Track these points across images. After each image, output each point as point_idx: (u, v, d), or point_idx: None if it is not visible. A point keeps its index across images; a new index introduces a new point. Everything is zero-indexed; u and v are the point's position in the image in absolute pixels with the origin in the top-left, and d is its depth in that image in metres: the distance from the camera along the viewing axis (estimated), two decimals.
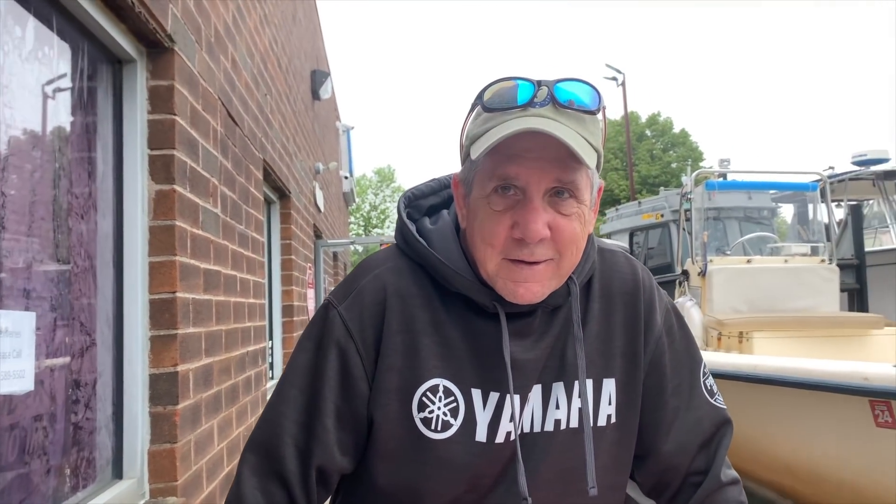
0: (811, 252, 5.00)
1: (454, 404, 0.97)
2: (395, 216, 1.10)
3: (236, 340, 2.95)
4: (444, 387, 0.97)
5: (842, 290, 5.26)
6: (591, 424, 1.00)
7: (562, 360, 1.01)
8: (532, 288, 0.93)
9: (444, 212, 1.09)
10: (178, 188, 2.14)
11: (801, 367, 2.58)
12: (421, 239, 1.02)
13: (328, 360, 0.98)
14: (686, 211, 5.36)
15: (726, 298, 4.24)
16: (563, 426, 1.00)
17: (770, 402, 2.76)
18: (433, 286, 1.00)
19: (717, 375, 3.04)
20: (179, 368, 2.16)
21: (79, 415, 1.82)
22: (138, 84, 2.11)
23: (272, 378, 4.71)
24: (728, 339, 3.92)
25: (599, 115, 0.95)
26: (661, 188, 14.94)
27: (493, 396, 0.97)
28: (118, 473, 2.04)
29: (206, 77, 2.54)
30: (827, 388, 2.35)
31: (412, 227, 1.05)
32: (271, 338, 4.79)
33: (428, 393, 0.97)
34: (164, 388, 2.13)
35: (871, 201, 11.04)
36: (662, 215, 9.84)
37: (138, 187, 2.07)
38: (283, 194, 4.82)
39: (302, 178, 5.59)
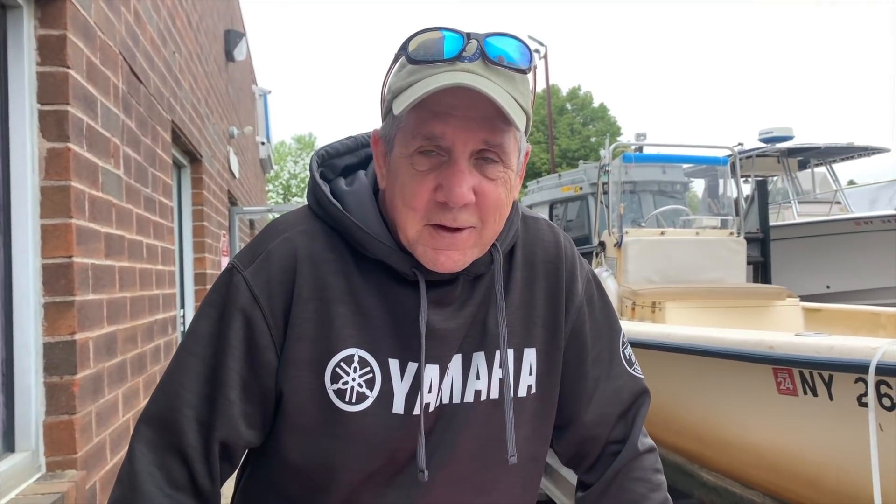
0: (721, 225, 5.20)
1: (370, 375, 0.92)
2: None
3: (143, 308, 2.81)
4: (360, 357, 0.92)
5: (748, 263, 5.49)
6: (512, 395, 0.98)
7: (483, 329, 0.98)
8: (453, 256, 0.89)
9: (361, 172, 1.03)
10: (73, 146, 1.99)
11: (711, 337, 2.67)
12: (335, 201, 0.96)
13: (232, 328, 0.91)
14: (604, 184, 5.46)
15: (641, 269, 4.36)
16: (483, 397, 0.97)
17: (681, 371, 2.86)
18: (348, 251, 0.94)
19: (632, 344, 3.11)
20: (77, 337, 2.02)
21: None
22: (25, 32, 1.93)
23: None
24: (642, 309, 4.03)
25: (529, 76, 0.91)
26: (581, 161, 15.22)
27: (412, 367, 0.93)
28: (9, 446, 1.91)
29: (105, 29, 2.35)
30: (734, 356, 2.44)
31: (326, 189, 0.98)
32: (183, 306, 4.61)
33: (342, 363, 0.91)
34: (60, 358, 2.00)
35: (775, 177, 11.63)
36: (581, 188, 10.04)
37: (27, 144, 1.91)
38: (193, 158, 4.61)
39: (215, 142, 5.36)
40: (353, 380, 0.92)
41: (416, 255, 0.90)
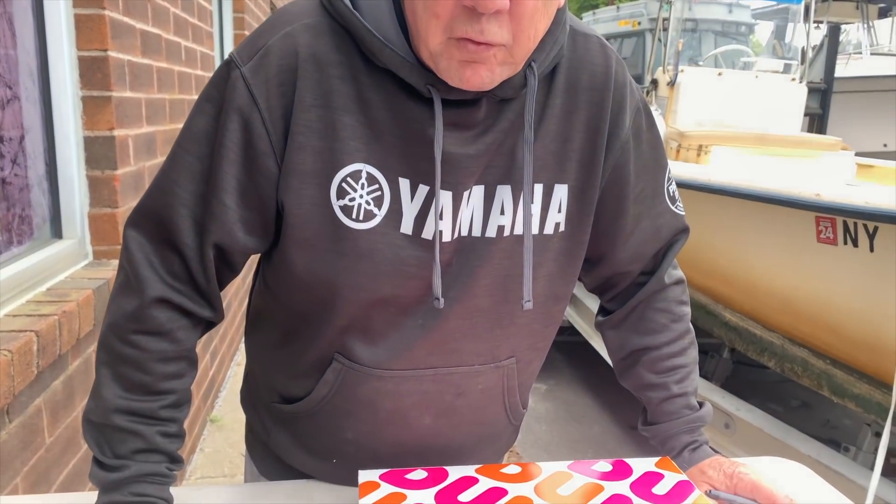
0: (783, 70, 4.89)
1: (378, 193, 0.85)
2: None
3: (182, 112, 2.80)
4: (368, 173, 0.84)
5: (805, 114, 5.22)
6: (538, 231, 0.92)
7: (510, 159, 0.88)
8: (480, 71, 0.77)
9: None
10: None
11: (754, 180, 2.58)
12: (347, 1, 0.82)
13: (228, 129, 0.83)
14: (664, 18, 5.10)
15: (692, 110, 4.17)
16: (506, 233, 0.90)
17: (720, 214, 2.81)
18: (359, 56, 0.82)
19: None
20: (117, 133, 2.04)
21: (5, 170, 1.72)
22: None
23: None
24: (687, 152, 3.90)
25: None
26: None
27: (423, 189, 0.86)
28: (57, 233, 1.99)
29: None
30: (777, 201, 2.38)
31: None
32: None
33: (349, 178, 0.84)
34: (100, 152, 2.03)
35: (850, 25, 10.76)
36: (640, 23, 9.43)
37: None
38: None
39: None
40: (361, 196, 0.85)
41: (440, 70, 0.78)
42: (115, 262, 2.07)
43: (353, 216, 0.85)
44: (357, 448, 1.02)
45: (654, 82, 4.61)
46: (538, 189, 0.91)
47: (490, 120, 0.86)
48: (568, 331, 4.00)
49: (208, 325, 0.95)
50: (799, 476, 1.16)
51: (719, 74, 4.43)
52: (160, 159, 2.50)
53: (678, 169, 3.17)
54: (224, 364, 3.93)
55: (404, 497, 0.98)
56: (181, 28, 2.80)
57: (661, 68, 4.62)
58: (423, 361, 0.94)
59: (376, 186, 0.85)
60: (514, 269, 0.91)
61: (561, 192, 0.92)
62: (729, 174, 2.74)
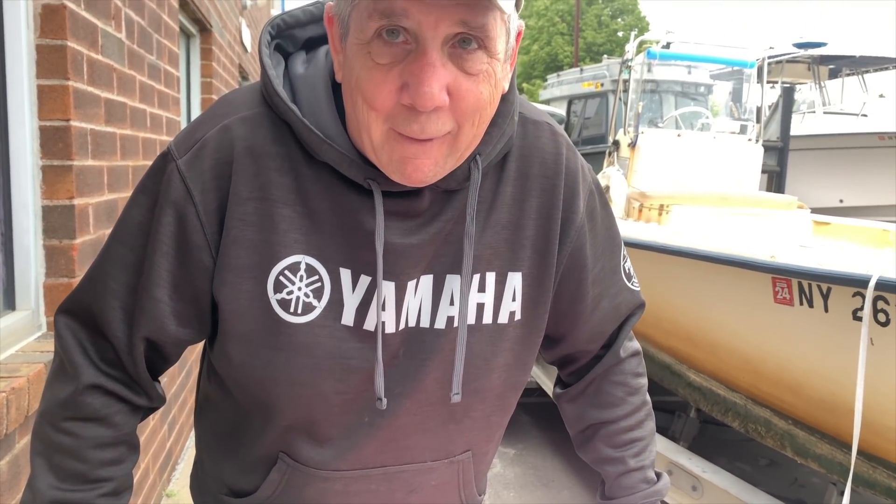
0: (740, 131, 5.06)
1: (318, 284, 0.82)
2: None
3: None
4: (307, 265, 0.82)
5: (763, 172, 5.39)
6: (491, 321, 0.90)
7: (458, 250, 0.86)
8: (423, 167, 0.75)
9: (322, 51, 0.87)
10: (69, 4, 1.90)
11: (712, 242, 2.64)
12: (281, 91, 0.81)
13: (163, 222, 0.82)
14: (625, 80, 5.27)
15: (653, 171, 4.28)
16: (455, 324, 0.86)
17: (679, 273, 2.86)
18: (299, 148, 0.81)
19: (636, 245, 3.10)
20: (76, 202, 2.02)
21: None
22: None
23: None
24: (649, 211, 3.99)
25: None
26: (605, 56, 14.71)
27: (364, 280, 0.83)
28: (10, 304, 1.95)
29: None
30: (734, 263, 2.43)
31: (272, 73, 0.82)
32: None
33: (287, 271, 0.81)
34: (59, 221, 2.00)
35: (803, 85, 11.23)
36: (602, 84, 9.73)
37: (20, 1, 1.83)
38: (203, 27, 4.45)
39: (226, 13, 5.17)
40: (300, 289, 0.82)
41: (382, 165, 0.77)
42: None
43: (291, 310, 0.82)
44: None
45: (616, 143, 4.74)
46: (490, 278, 0.89)
47: (435, 209, 0.84)
48: (536, 392, 3.99)
49: (148, 409, 0.93)
50: None
51: (679, 136, 4.57)
52: None
53: (640, 230, 3.24)
54: (182, 434, 3.82)
55: None
56: (147, 95, 2.82)
57: (622, 130, 4.75)
58: (371, 460, 0.91)
59: (316, 278, 0.82)
60: (468, 360, 0.88)
61: (515, 281, 0.90)
62: (689, 237, 2.80)
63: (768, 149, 5.72)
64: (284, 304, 0.82)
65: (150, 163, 2.68)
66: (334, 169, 0.81)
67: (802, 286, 2.17)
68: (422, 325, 0.87)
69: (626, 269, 1.05)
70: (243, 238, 0.81)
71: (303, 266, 0.82)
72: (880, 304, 1.91)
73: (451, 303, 0.87)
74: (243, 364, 0.86)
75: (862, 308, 1.99)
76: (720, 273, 2.56)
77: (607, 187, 4.46)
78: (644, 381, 1.12)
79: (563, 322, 1.00)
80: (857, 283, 1.93)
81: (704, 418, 3.53)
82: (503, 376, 0.93)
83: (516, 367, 0.95)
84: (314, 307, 0.83)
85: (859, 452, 1.99)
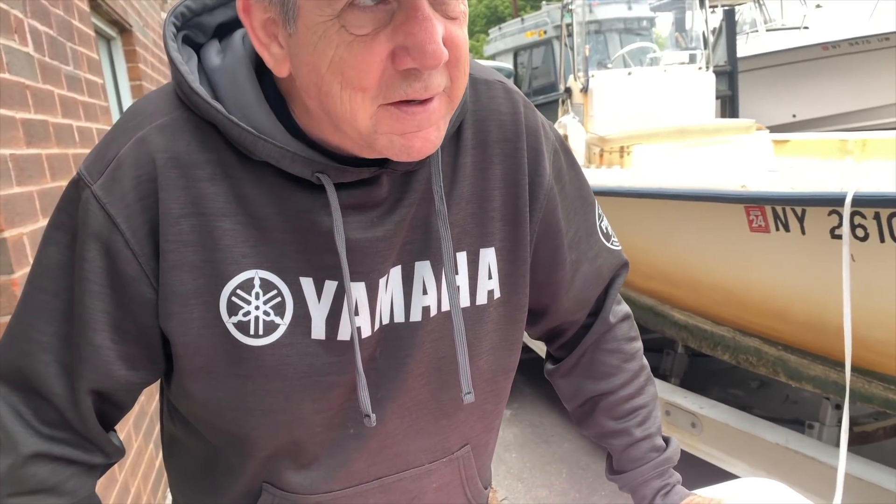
0: (689, 60, 5.00)
1: (278, 300, 0.74)
2: None
3: None
4: (262, 279, 0.73)
5: (716, 98, 5.35)
6: (469, 304, 0.83)
7: (425, 232, 0.79)
8: (430, 136, 0.67)
9: (237, 35, 0.76)
10: None
11: (681, 181, 2.59)
12: (199, 89, 0.71)
13: (87, 259, 0.71)
14: (567, 25, 5.16)
15: (608, 113, 4.21)
16: (433, 313, 0.80)
17: (651, 216, 2.81)
18: (230, 150, 0.72)
19: (601, 193, 3.04)
20: (7, 234, 1.88)
21: None
22: None
23: None
24: (610, 155, 3.93)
25: None
26: (544, 3, 14.52)
27: (330, 286, 0.75)
28: None
29: None
30: (705, 198, 2.38)
31: (185, 69, 0.72)
32: None
33: (239, 290, 0.73)
34: None
35: (743, 6, 11.21)
36: (546, 31, 9.59)
37: None
38: (122, 28, 4.23)
39: (146, 10, 4.93)
40: (258, 308, 0.73)
41: (379, 149, 0.68)
42: None
43: (252, 332, 0.74)
44: None
45: (568, 90, 4.65)
46: (462, 258, 0.82)
47: (396, 194, 0.76)
48: (524, 349, 3.95)
49: (105, 466, 0.83)
50: (775, 494, 1.12)
51: (629, 74, 4.50)
52: None
53: (604, 175, 3.17)
54: None
55: None
56: (70, 109, 2.65)
57: (571, 76, 4.66)
58: (365, 474, 0.84)
59: (274, 293, 0.74)
60: (447, 350, 0.82)
61: (488, 257, 0.84)
62: (654, 177, 2.75)
63: (718, 74, 5.68)
64: (242, 327, 0.73)
65: None
66: (275, 168, 0.72)
67: (777, 212, 2.13)
68: (396, 320, 0.79)
69: (604, 228, 0.98)
70: (184, 261, 0.71)
71: (257, 282, 0.73)
72: (857, 220, 1.88)
73: (425, 291, 0.80)
74: (208, 399, 0.76)
75: (839, 226, 1.95)
76: (692, 210, 2.51)
77: (565, 136, 4.38)
78: (638, 344, 1.05)
79: (543, 293, 0.93)
80: (833, 202, 1.89)
81: (692, 352, 3.53)
82: (491, 360, 0.87)
83: (504, 348, 0.88)
84: (277, 325, 0.74)
85: (853, 368, 1.97)
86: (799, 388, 3.96)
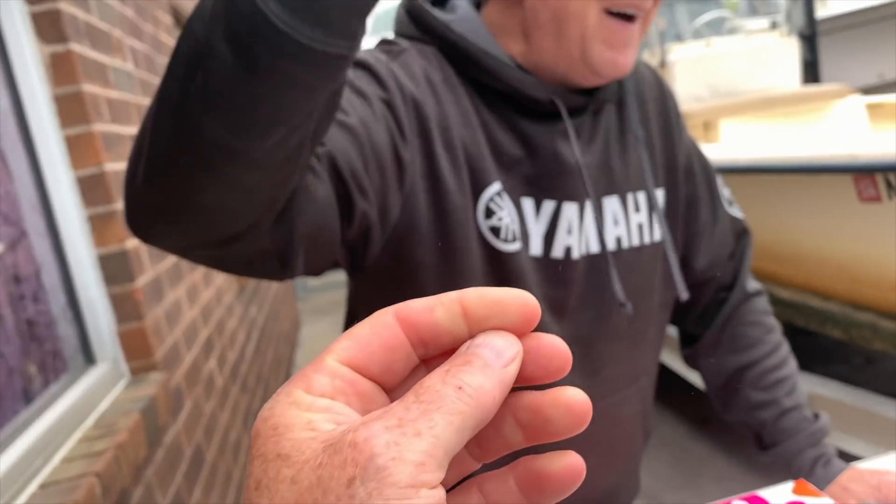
0: (770, 27, 4.79)
1: (513, 215, 0.83)
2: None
3: None
4: (503, 193, 0.82)
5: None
6: (649, 241, 0.92)
7: (608, 171, 0.88)
8: (630, 55, 0.80)
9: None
10: (74, 47, 1.84)
11: (777, 152, 2.49)
12: (458, 29, 0.82)
13: (394, 107, 0.75)
14: None
15: (689, 87, 4.08)
16: (624, 245, 0.89)
17: (747, 192, 2.71)
18: (468, 82, 0.83)
19: None
20: (128, 244, 1.98)
21: (28, 310, 1.66)
22: None
23: None
24: (694, 131, 3.81)
25: None
26: None
27: (548, 205, 0.84)
28: (90, 359, 1.93)
29: None
30: (810, 170, 2.28)
31: (436, 12, 0.84)
32: None
33: (496, 197, 0.81)
34: (116, 267, 1.97)
35: None
36: None
37: (25, 51, 1.77)
38: None
39: None
40: (507, 216, 0.82)
41: (591, 58, 0.78)
42: (154, 377, 2.01)
43: (502, 236, 0.82)
44: None
45: None
46: (641, 197, 0.91)
47: (589, 130, 0.87)
48: None
49: None
50: None
51: (707, 45, 4.35)
52: (171, 260, 2.44)
53: None
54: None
55: None
56: None
57: (646, 51, 4.54)
58: None
59: (511, 208, 0.83)
60: (639, 280, 0.90)
61: (660, 197, 0.94)
62: (746, 150, 2.65)
63: (801, 38, 5.43)
64: (495, 231, 0.82)
65: None
66: (503, 98, 0.82)
67: (889, 179, 2.03)
68: (591, 250, 0.87)
69: (726, 194, 1.04)
70: (446, 157, 0.80)
71: (503, 195, 0.82)
72: None
73: (616, 222, 0.89)
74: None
75: None
76: (793, 183, 2.42)
77: None
78: (775, 320, 1.05)
79: (682, 248, 0.99)
80: None
81: (792, 330, 3.41)
82: (661, 293, 0.96)
83: (667, 282, 0.96)
84: (517, 237, 0.83)
85: None
86: None
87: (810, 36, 6.76)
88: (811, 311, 2.72)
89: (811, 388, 2.76)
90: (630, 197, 0.90)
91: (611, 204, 0.88)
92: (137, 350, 2.01)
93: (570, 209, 0.84)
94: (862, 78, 8.52)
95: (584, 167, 0.83)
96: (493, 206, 0.80)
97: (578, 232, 0.85)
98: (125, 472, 1.54)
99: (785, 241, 2.62)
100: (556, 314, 0.86)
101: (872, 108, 4.17)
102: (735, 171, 2.66)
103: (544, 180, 0.83)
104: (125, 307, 1.99)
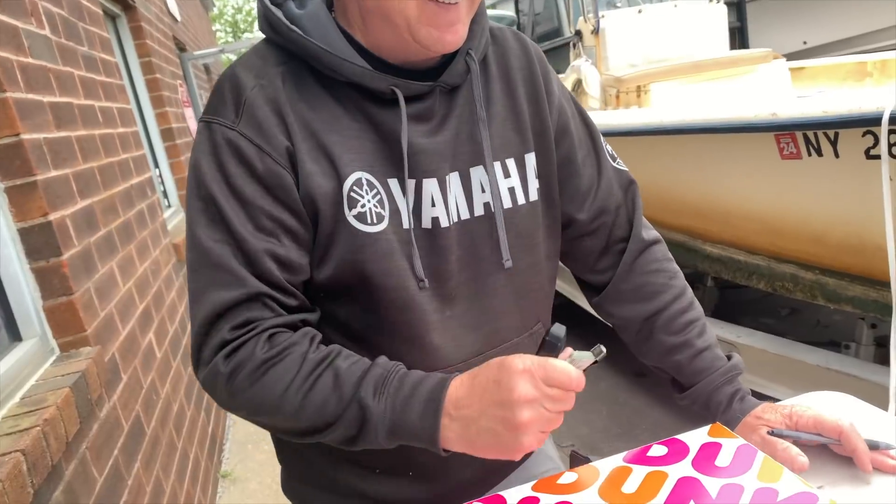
0: None
1: (379, 196, 0.90)
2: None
3: (115, 176, 2.67)
4: (366, 179, 0.89)
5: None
6: (525, 201, 0.99)
7: (473, 144, 0.95)
8: (458, 30, 0.85)
9: None
10: None
11: (705, 114, 2.56)
12: (294, 27, 0.88)
13: (248, 183, 0.86)
14: None
15: (621, 53, 4.14)
16: (494, 208, 0.96)
17: (676, 153, 2.79)
18: (319, 83, 0.90)
19: (623, 134, 3.02)
20: (52, 217, 1.91)
21: None
22: None
23: (168, 206, 4.45)
24: (626, 96, 3.88)
25: None
26: None
27: (410, 183, 0.91)
28: (15, 336, 1.87)
29: None
30: (734, 128, 2.36)
31: (279, 13, 0.90)
32: (157, 166, 4.44)
33: (355, 187, 0.89)
34: (40, 241, 1.90)
35: None
36: None
37: None
38: (126, 5, 4.20)
39: None
40: (368, 201, 0.89)
41: (420, 38, 0.84)
42: (84, 350, 1.95)
43: (368, 221, 0.89)
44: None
45: (579, 33, 4.57)
46: (510, 163, 0.98)
47: (444, 109, 0.94)
48: (559, 294, 3.98)
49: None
50: (846, 404, 1.14)
51: (639, 12, 4.41)
52: (104, 230, 2.37)
53: (624, 116, 3.14)
54: (220, 416, 3.82)
55: None
56: (90, 89, 2.65)
57: (581, 18, 4.58)
58: (470, 350, 0.98)
59: (376, 190, 0.90)
60: (517, 238, 0.98)
61: (531, 160, 1.00)
62: (676, 113, 2.72)
63: (728, 6, 5.56)
64: (361, 218, 0.89)
65: (114, 159, 2.55)
66: (353, 89, 0.89)
67: (808, 137, 2.11)
68: (462, 217, 0.95)
69: (609, 150, 1.11)
70: (312, 171, 0.88)
71: (364, 181, 0.89)
72: (893, 138, 1.86)
73: (483, 190, 0.96)
74: (338, 285, 0.91)
75: (874, 146, 1.94)
76: (719, 142, 2.49)
77: (579, 81, 4.33)
78: (676, 266, 1.11)
79: (563, 205, 1.05)
80: (869, 123, 1.87)
81: (722, 285, 3.54)
82: (545, 247, 1.03)
83: (550, 237, 1.04)
84: (383, 216, 0.90)
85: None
86: (829, 313, 3.98)
87: (738, 3, 6.93)
88: (737, 266, 2.83)
89: (738, 339, 2.89)
90: (498, 165, 0.96)
91: (477, 173, 0.95)
92: (67, 325, 1.96)
93: (429, 184, 0.91)
94: (787, 45, 8.77)
95: (434, 146, 0.92)
96: (353, 195, 0.88)
97: (443, 203, 0.92)
98: (54, 448, 1.50)
99: (712, 198, 2.71)
100: (438, 278, 0.93)
101: (796, 71, 4.32)
102: (665, 133, 2.72)
103: (400, 162, 0.89)
104: (52, 282, 1.93)
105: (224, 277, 0.85)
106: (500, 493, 1.01)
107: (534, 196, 0.99)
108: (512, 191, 0.98)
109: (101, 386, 1.94)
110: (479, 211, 0.95)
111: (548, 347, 0.87)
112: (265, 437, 3.71)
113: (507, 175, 0.97)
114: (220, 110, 0.88)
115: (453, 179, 0.94)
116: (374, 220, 0.89)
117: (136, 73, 4.35)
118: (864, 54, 4.41)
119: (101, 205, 2.40)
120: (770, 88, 3.76)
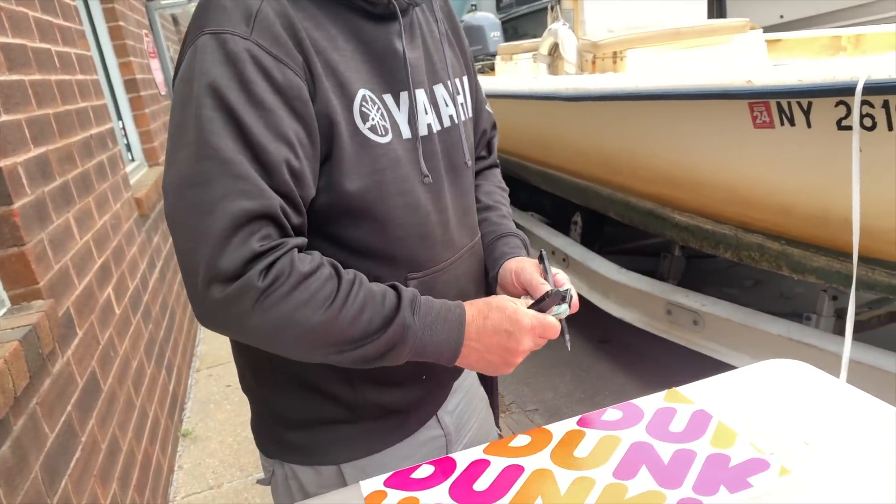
0: None
1: (381, 110, 0.97)
2: None
3: (72, 124, 2.57)
4: (369, 96, 0.96)
5: None
6: (471, 116, 1.19)
7: (430, 62, 1.07)
8: None
9: None
10: None
11: (680, 80, 2.53)
12: None
13: (268, 92, 0.87)
14: None
15: (599, 18, 4.08)
16: (456, 120, 1.10)
17: (650, 119, 2.76)
18: (314, 3, 0.94)
19: (597, 98, 2.98)
20: (2, 163, 1.83)
21: None
22: None
23: (132, 160, 4.32)
24: (602, 61, 3.83)
25: None
26: None
27: (403, 96, 1.00)
28: None
29: None
30: (708, 95, 2.33)
31: None
32: (120, 118, 4.30)
33: (363, 103, 0.94)
34: None
35: None
36: None
37: None
38: None
39: None
40: (375, 115, 0.95)
41: None
42: (36, 304, 1.89)
43: (379, 133, 0.96)
44: None
45: None
46: (458, 82, 1.14)
47: (411, 29, 1.05)
48: None
49: None
50: (801, 371, 1.15)
51: None
52: (61, 181, 2.28)
53: (599, 81, 3.10)
54: (182, 375, 3.77)
55: (416, 501, 0.91)
56: (47, 32, 2.54)
57: None
58: (460, 243, 1.11)
59: (377, 105, 0.96)
60: (468, 146, 1.14)
61: (466, 82, 1.18)
62: (650, 79, 2.68)
63: None
64: (373, 130, 0.95)
65: (71, 107, 2.45)
66: (344, 7, 0.95)
67: (782, 106, 2.10)
68: (434, 129, 1.05)
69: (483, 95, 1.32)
70: (326, 87, 0.93)
71: (368, 97, 0.95)
72: (865, 109, 1.85)
73: (446, 104, 1.08)
74: (362, 193, 0.96)
75: (846, 116, 1.93)
76: (693, 109, 2.47)
77: (556, 45, 4.27)
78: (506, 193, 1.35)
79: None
80: (843, 92, 1.86)
81: (689, 254, 3.56)
82: (473, 154, 1.21)
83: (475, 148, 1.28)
84: (388, 129, 0.97)
85: (858, 258, 1.99)
86: (792, 285, 4.04)
87: None
88: (705, 234, 2.84)
89: (703, 307, 2.91)
90: (450, 83, 1.10)
91: (439, 90, 1.07)
92: (18, 276, 1.89)
93: (420, 94, 1.02)
94: (764, 18, 8.78)
95: (416, 61, 1.03)
96: (364, 110, 0.94)
97: (433, 112, 1.04)
98: (1, 403, 1.46)
99: (683, 167, 2.70)
100: (436, 177, 1.04)
101: (772, 43, 4.31)
102: (639, 98, 2.69)
103: (393, 75, 0.98)
104: (2, 231, 1.85)
105: (244, 186, 0.82)
106: (451, 455, 1.00)
107: (471, 112, 1.19)
108: (463, 106, 1.14)
109: (54, 340, 1.89)
110: (447, 122, 1.08)
111: (540, 261, 1.10)
112: (227, 396, 3.67)
113: (458, 92, 1.13)
114: (227, 22, 0.86)
115: (437, 90, 1.07)
116: (383, 133, 0.96)
117: (98, 19, 4.19)
118: (838, 28, 4.41)
119: (57, 154, 2.31)
120: (746, 58, 3.74)
